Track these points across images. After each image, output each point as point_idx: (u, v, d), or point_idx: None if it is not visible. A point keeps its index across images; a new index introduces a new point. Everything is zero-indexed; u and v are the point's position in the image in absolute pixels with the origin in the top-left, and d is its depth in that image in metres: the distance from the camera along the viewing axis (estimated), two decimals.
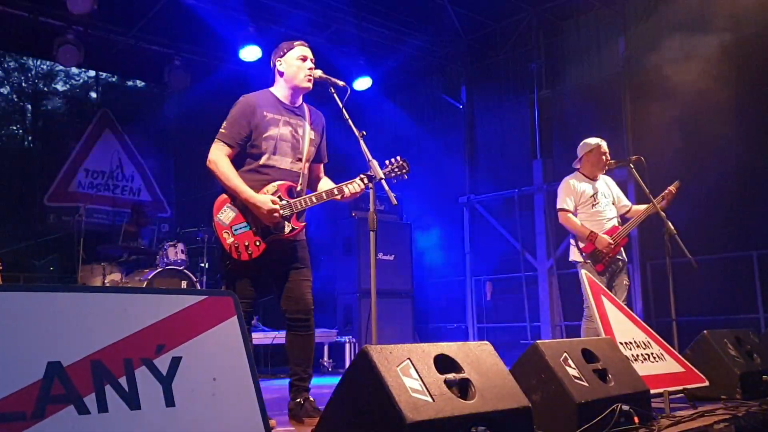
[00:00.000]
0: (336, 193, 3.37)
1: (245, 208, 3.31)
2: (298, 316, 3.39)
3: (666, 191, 4.87)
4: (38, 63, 8.26)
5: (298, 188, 3.43)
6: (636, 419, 2.55)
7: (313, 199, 3.39)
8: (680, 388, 3.27)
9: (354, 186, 3.36)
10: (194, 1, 6.96)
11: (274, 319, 6.94)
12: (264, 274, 3.41)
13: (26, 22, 7.09)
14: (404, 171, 3.45)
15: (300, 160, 3.45)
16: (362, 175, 3.35)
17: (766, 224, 6.12)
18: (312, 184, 3.62)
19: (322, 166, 3.69)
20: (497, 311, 8.38)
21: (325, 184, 3.61)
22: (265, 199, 3.27)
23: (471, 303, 8.63)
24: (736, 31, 6.54)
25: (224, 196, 3.38)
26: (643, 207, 4.90)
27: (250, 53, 7.34)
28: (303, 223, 3.43)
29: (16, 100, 8.12)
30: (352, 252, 7.79)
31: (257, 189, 3.31)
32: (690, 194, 5.14)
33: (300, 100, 3.55)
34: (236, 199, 3.32)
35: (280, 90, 3.51)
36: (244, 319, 3.22)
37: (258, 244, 3.28)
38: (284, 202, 3.33)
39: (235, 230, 3.31)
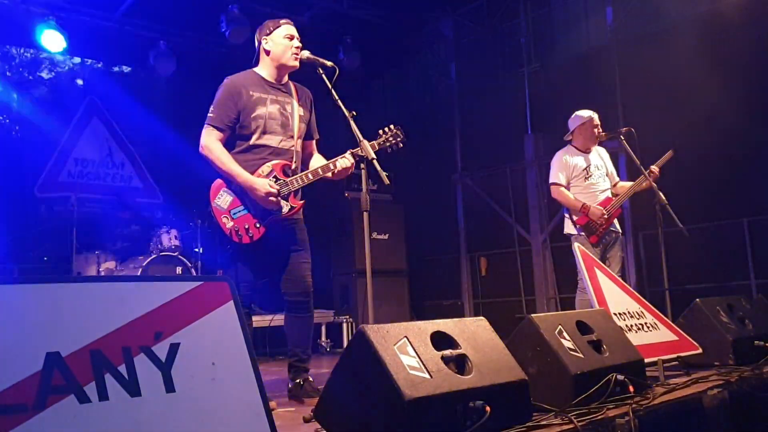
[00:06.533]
0: (331, 167, 3.36)
1: (242, 191, 3.30)
2: (298, 298, 3.41)
3: (659, 160, 4.90)
4: (21, 51, 8.14)
5: (293, 166, 3.41)
6: (631, 388, 2.59)
7: (309, 176, 3.36)
8: (674, 356, 3.32)
9: (345, 161, 3.34)
10: None
11: (270, 302, 6.96)
12: (264, 256, 3.42)
13: (6, 8, 6.97)
14: (399, 139, 3.41)
15: (291, 137, 3.43)
16: (351, 151, 3.33)
17: (756, 191, 6.14)
18: (305, 161, 3.59)
19: (314, 142, 3.66)
20: (492, 287, 8.42)
21: (318, 160, 3.58)
22: (262, 182, 3.26)
23: (466, 279, 8.67)
24: None
25: (219, 180, 3.36)
26: (629, 184, 4.97)
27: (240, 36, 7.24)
28: (301, 201, 3.42)
29: (0, 90, 8.01)
30: (346, 233, 7.80)
31: (251, 170, 3.30)
32: (681, 163, 5.16)
33: (286, 78, 3.52)
34: (232, 183, 3.31)
35: (265, 69, 3.47)
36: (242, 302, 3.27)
37: (258, 226, 3.28)
38: (281, 182, 3.32)
39: (234, 214, 3.30)
